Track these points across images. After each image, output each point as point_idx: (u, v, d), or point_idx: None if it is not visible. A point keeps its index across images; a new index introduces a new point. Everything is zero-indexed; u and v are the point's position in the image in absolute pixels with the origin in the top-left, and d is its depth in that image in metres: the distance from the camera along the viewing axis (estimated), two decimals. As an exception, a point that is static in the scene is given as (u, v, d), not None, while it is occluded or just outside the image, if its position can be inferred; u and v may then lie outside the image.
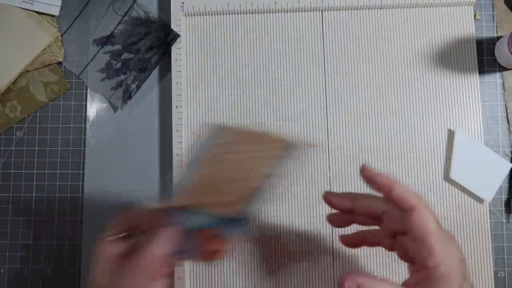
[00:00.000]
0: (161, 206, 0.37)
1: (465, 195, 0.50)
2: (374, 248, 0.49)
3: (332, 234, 0.50)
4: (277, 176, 0.38)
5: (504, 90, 0.52)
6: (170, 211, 0.37)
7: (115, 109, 0.54)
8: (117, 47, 0.53)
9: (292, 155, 0.38)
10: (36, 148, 0.53)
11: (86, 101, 0.54)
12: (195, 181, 0.39)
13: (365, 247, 0.40)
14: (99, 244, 0.35)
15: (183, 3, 0.52)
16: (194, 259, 0.41)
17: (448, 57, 0.52)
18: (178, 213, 0.37)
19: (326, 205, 0.39)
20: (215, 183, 0.39)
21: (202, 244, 0.38)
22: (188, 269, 0.49)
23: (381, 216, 0.35)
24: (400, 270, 0.49)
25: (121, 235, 0.36)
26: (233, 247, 0.45)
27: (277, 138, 0.39)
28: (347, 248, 0.49)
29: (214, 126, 0.40)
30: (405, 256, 0.34)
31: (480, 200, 0.50)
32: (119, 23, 0.54)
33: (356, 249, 0.49)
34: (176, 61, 0.52)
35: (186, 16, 0.53)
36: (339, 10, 0.53)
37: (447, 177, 0.50)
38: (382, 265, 0.49)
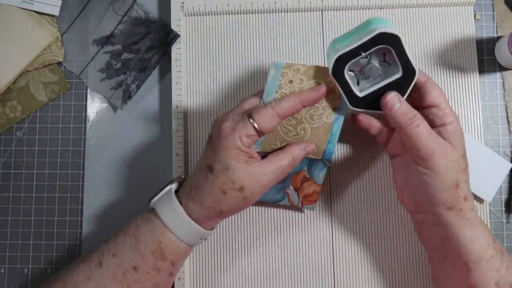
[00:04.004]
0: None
1: (465, 195, 0.50)
2: (373, 247, 0.49)
3: (332, 236, 0.50)
4: (346, 107, 0.42)
5: (504, 90, 0.52)
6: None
7: (115, 109, 0.54)
8: (117, 47, 0.53)
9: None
10: (36, 148, 0.53)
11: (86, 101, 0.54)
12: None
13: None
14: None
15: (183, 3, 0.52)
16: (292, 203, 0.48)
17: (448, 57, 0.52)
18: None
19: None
20: (289, 122, 0.42)
21: (298, 188, 0.46)
22: (188, 269, 0.49)
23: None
24: (399, 268, 0.49)
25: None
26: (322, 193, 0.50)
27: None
28: (346, 248, 0.49)
29: (277, 65, 0.41)
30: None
31: (480, 200, 0.49)
32: (119, 23, 0.54)
33: (355, 250, 0.49)
34: (176, 61, 0.52)
35: (186, 16, 0.53)
36: (339, 10, 0.53)
37: (447, 177, 0.50)
38: (382, 265, 0.49)
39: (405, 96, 0.40)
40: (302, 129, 0.43)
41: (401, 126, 0.39)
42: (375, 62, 0.40)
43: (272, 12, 0.53)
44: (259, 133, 0.39)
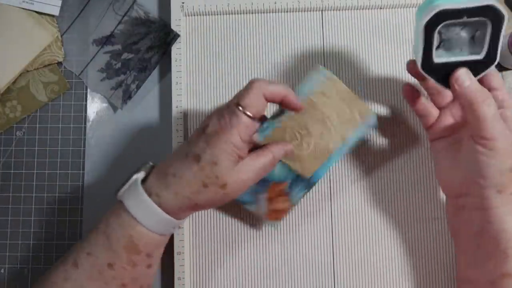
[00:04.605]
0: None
1: (465, 195, 0.50)
2: (374, 246, 0.49)
3: (332, 234, 0.50)
4: (353, 144, 0.43)
5: (504, 90, 0.52)
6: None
7: (115, 109, 0.54)
8: (117, 47, 0.53)
9: (371, 128, 0.43)
10: (36, 148, 0.53)
11: (86, 101, 0.54)
12: (284, 123, 0.43)
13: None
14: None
15: (183, 3, 0.52)
16: (258, 211, 0.46)
17: (448, 57, 0.52)
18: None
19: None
20: (300, 130, 0.42)
21: (271, 199, 0.45)
22: (188, 269, 0.49)
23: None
24: (399, 267, 0.49)
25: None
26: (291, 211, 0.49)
27: (366, 106, 0.43)
28: (347, 247, 0.49)
29: (321, 72, 0.42)
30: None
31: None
32: (119, 23, 0.54)
33: (355, 249, 0.49)
34: (176, 61, 0.52)
35: (186, 16, 0.53)
36: (339, 10, 0.53)
37: (447, 177, 0.50)
38: (382, 264, 0.49)
39: (477, 78, 0.39)
40: (306, 142, 0.43)
41: (471, 103, 0.38)
42: (465, 34, 0.38)
43: (272, 12, 0.53)
44: (254, 118, 0.38)
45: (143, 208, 0.39)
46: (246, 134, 0.38)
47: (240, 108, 0.38)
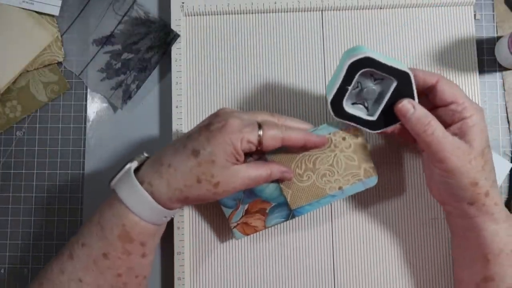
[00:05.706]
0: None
1: (465, 195, 0.50)
2: (374, 247, 0.49)
3: (332, 234, 0.50)
4: (345, 196, 0.44)
5: (504, 90, 0.52)
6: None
7: (115, 109, 0.54)
8: (117, 47, 0.53)
9: (367, 188, 0.44)
10: (36, 148, 0.53)
11: (86, 101, 0.54)
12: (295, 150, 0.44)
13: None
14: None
15: (183, 3, 0.52)
16: (232, 218, 0.45)
17: (448, 57, 0.52)
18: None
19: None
20: (307, 161, 0.43)
21: (249, 212, 0.45)
22: (188, 270, 0.49)
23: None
24: (399, 269, 0.49)
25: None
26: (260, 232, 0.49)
27: (373, 167, 0.44)
28: (347, 250, 0.49)
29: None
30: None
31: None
32: (119, 23, 0.54)
33: (355, 251, 0.49)
34: (176, 61, 0.52)
35: (186, 16, 0.53)
36: (339, 10, 0.53)
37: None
38: (383, 266, 0.49)
39: (416, 99, 0.40)
40: (308, 176, 0.43)
41: (416, 133, 0.40)
42: (369, 84, 0.41)
43: (272, 12, 0.53)
44: (258, 145, 0.39)
45: (135, 197, 0.39)
46: (244, 147, 0.39)
47: (260, 130, 0.39)
